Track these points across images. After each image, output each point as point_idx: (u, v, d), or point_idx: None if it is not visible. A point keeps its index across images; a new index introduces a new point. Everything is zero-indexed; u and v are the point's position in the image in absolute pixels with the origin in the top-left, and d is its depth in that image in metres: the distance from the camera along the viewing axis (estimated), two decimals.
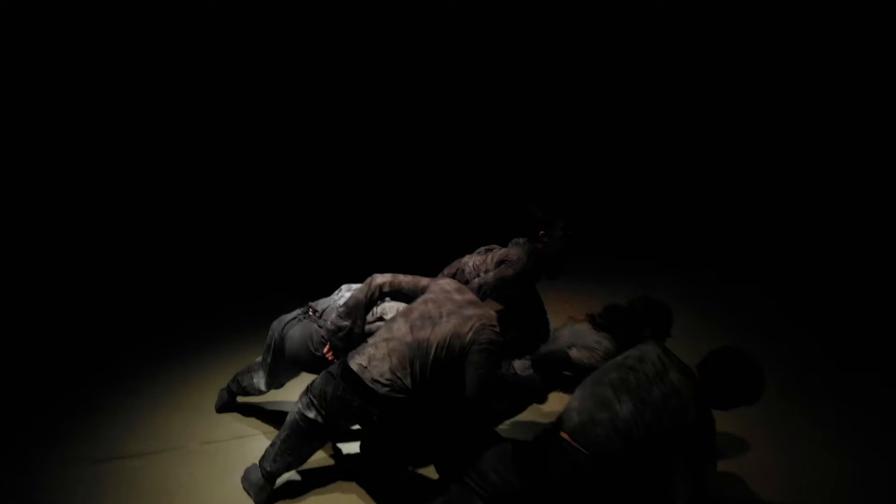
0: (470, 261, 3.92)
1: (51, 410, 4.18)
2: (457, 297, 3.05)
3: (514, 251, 3.91)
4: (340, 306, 3.27)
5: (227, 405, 3.96)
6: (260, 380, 3.70)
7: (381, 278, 3.21)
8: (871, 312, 5.20)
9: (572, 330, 3.31)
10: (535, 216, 3.95)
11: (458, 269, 3.89)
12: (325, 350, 3.26)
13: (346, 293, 3.49)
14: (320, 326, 3.36)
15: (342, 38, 7.99)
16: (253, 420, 3.88)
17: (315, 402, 3.01)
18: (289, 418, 3.12)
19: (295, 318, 3.49)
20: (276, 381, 3.66)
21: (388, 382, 2.90)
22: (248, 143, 7.92)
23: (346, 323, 3.18)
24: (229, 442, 3.72)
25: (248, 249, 6.74)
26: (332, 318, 3.28)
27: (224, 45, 7.62)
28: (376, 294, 3.18)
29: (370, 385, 2.91)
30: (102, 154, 7.38)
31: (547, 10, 8.48)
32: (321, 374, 3.08)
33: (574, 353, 3.16)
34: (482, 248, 4.05)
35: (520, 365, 3.18)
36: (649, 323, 3.19)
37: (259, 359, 3.74)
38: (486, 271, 3.86)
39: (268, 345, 3.56)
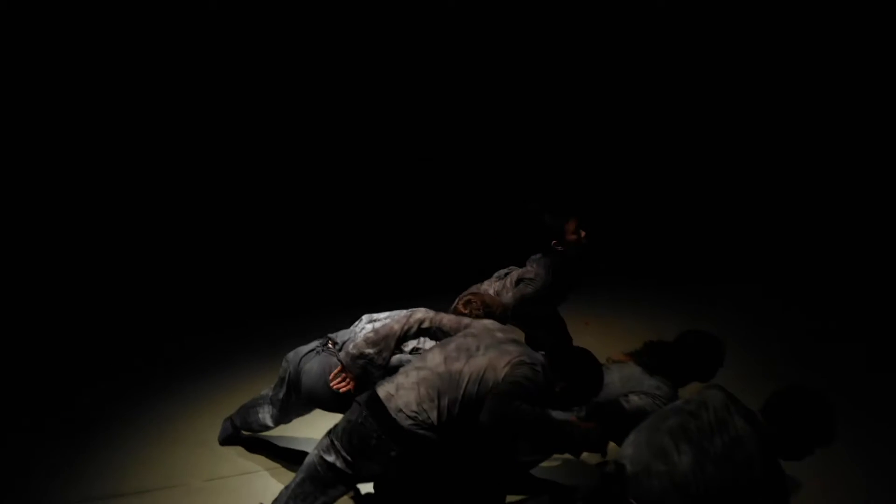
0: (490, 288, 3.73)
1: (38, 439, 3.94)
2: (499, 334, 2.85)
3: (531, 269, 3.75)
4: (370, 332, 3.04)
5: (231, 438, 3.72)
6: (266, 415, 3.46)
7: (421, 314, 2.99)
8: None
9: (622, 375, 3.08)
10: (543, 224, 3.76)
11: None
12: (332, 375, 3.02)
13: (367, 324, 3.27)
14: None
15: (342, 38, 7.78)
16: (259, 456, 3.65)
17: (336, 443, 2.77)
18: (307, 460, 2.89)
19: (313, 349, 3.25)
20: (286, 417, 3.44)
21: (412, 414, 2.67)
22: (248, 145, 7.70)
23: (371, 351, 2.95)
24: (235, 479, 3.50)
25: (251, 264, 6.46)
26: (357, 341, 3.04)
27: (224, 45, 7.42)
28: (413, 329, 2.96)
29: (394, 415, 2.67)
30: (102, 158, 7.12)
31: (547, 10, 8.31)
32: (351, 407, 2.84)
33: (635, 400, 2.95)
34: (501, 272, 3.86)
35: (560, 416, 2.96)
36: (702, 362, 2.98)
37: (266, 391, 3.51)
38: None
39: (281, 378, 3.32)
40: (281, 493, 2.95)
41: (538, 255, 3.79)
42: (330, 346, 3.24)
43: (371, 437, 2.69)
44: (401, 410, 2.67)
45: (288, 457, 3.60)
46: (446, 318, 2.98)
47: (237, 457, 3.65)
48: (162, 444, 3.82)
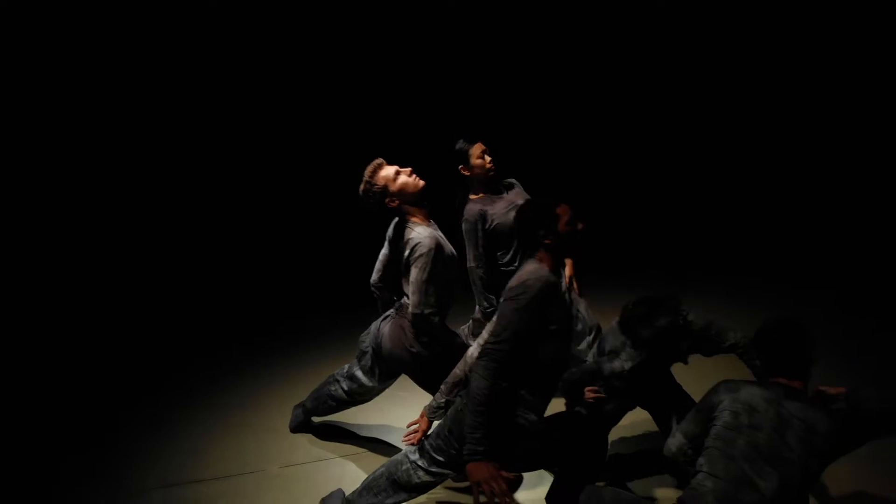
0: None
1: (111, 431, 4.04)
2: None
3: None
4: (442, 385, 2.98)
5: (302, 425, 3.82)
6: (341, 389, 3.53)
7: (473, 348, 2.92)
8: None
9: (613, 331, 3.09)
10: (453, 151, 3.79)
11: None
12: (408, 432, 2.95)
13: None
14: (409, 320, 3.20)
15: (343, 38, 7.89)
16: (332, 443, 3.74)
17: (428, 441, 2.83)
18: (394, 457, 2.95)
19: (387, 316, 3.34)
20: (367, 391, 3.50)
21: None
22: (248, 143, 7.86)
23: (450, 397, 2.90)
24: (310, 465, 3.58)
25: (305, 265, 6.83)
26: (436, 395, 2.99)
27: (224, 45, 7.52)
28: None
29: None
30: (109, 158, 7.27)
31: (546, 11, 8.42)
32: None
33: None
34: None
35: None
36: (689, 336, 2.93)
37: (336, 372, 3.61)
38: None
39: (363, 351, 3.41)
40: (363, 481, 3.01)
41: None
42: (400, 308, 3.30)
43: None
44: None
45: (361, 443, 3.72)
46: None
47: (309, 444, 3.75)
48: (234, 432, 3.91)
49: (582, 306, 3.87)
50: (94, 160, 7.15)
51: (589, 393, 3.00)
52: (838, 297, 5.41)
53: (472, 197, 3.80)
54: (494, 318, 2.72)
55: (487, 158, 3.77)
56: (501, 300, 2.64)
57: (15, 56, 6.60)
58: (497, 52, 8.31)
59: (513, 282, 2.65)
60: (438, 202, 3.58)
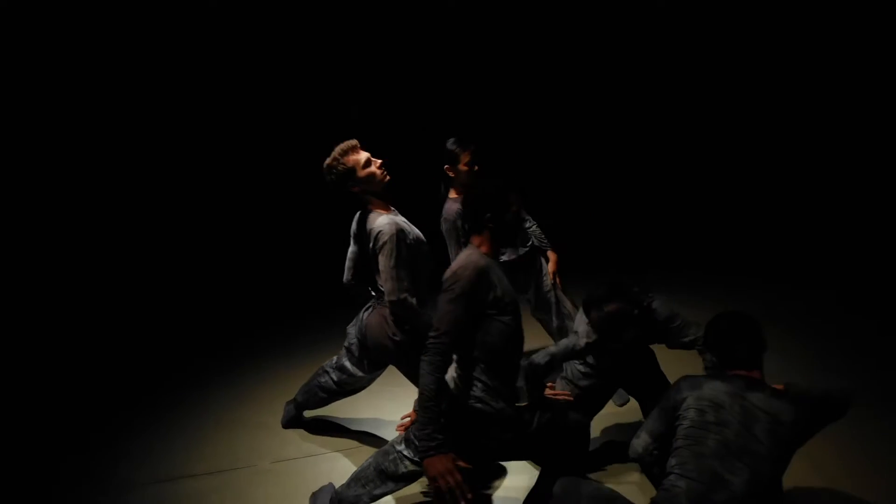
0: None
1: (108, 428, 4.11)
2: None
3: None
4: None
5: (293, 420, 3.86)
6: (331, 379, 3.56)
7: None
8: None
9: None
10: (443, 150, 3.77)
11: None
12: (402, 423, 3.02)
13: None
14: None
15: (343, 38, 7.93)
16: (323, 437, 3.79)
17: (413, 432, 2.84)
18: (381, 448, 2.95)
19: (370, 307, 3.37)
20: (356, 381, 3.52)
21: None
22: (247, 143, 7.93)
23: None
24: (301, 460, 3.62)
25: (303, 263, 6.89)
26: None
27: (224, 45, 7.57)
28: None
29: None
30: (109, 158, 7.33)
31: (546, 11, 8.47)
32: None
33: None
34: None
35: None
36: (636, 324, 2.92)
37: (325, 363, 3.65)
38: None
39: (351, 343, 3.44)
40: (351, 474, 3.04)
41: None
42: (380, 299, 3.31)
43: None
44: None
45: (351, 438, 3.75)
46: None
47: (301, 439, 3.79)
48: (227, 428, 3.96)
49: (567, 304, 3.89)
50: (93, 160, 7.22)
51: (549, 391, 3.03)
52: (838, 296, 5.38)
53: (452, 195, 3.80)
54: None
55: (475, 167, 3.74)
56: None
57: (15, 56, 6.65)
58: (495, 51, 8.36)
59: (447, 273, 2.66)
60: (418, 196, 3.62)
